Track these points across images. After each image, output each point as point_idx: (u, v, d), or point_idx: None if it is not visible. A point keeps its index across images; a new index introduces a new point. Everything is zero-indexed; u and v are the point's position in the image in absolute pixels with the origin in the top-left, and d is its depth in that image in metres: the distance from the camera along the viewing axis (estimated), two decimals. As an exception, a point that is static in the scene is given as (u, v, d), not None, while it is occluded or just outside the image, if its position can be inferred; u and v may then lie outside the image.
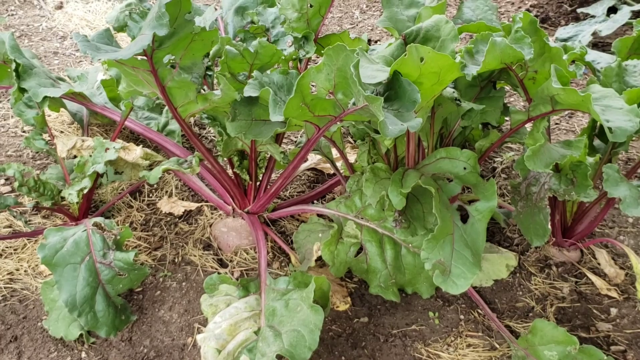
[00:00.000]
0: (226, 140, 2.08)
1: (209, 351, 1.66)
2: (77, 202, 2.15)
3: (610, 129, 1.59)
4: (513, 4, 4.19)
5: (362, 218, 2.06)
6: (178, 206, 2.40)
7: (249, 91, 1.73)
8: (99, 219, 1.98)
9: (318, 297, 1.78)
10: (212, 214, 2.42)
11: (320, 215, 2.25)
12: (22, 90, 2.12)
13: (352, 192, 2.11)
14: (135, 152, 2.11)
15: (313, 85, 1.57)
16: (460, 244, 1.76)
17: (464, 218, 1.85)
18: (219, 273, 2.15)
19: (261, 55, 1.88)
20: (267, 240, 2.24)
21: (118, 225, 2.01)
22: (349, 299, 2.10)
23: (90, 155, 2.12)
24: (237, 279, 2.11)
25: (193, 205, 2.43)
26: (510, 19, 1.86)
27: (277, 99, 1.67)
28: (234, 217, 2.28)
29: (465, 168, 1.89)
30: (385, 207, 1.95)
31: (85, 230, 1.92)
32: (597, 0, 3.92)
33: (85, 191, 2.11)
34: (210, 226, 2.34)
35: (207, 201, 2.45)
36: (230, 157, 2.19)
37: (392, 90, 1.60)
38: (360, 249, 2.06)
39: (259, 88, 1.74)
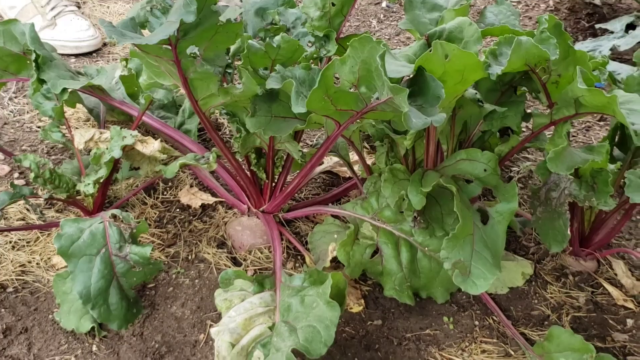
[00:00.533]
0: (244, 137, 2.07)
1: (222, 345, 1.64)
2: (92, 194, 2.13)
3: (635, 132, 1.58)
4: (531, 18, 4.18)
5: (379, 220, 2.04)
6: (197, 198, 2.39)
7: (272, 83, 1.72)
8: (116, 211, 1.97)
9: (334, 294, 1.75)
10: (226, 212, 2.40)
11: (335, 217, 2.24)
12: (41, 82, 2.11)
13: (369, 194, 2.09)
14: (153, 146, 2.10)
15: (336, 78, 1.57)
16: (480, 244, 1.74)
17: (484, 220, 1.84)
18: (233, 271, 2.14)
19: (284, 50, 1.87)
20: (282, 239, 2.22)
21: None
22: (362, 300, 2.08)
23: (107, 148, 2.10)
24: (250, 277, 2.10)
25: (211, 199, 2.42)
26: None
27: (300, 92, 1.66)
28: (249, 216, 2.27)
29: (485, 170, 1.88)
30: (404, 208, 1.93)
31: (102, 222, 1.90)
32: (615, 17, 3.92)
33: (101, 180, 2.10)
34: (225, 224, 2.33)
35: (222, 199, 2.44)
36: (248, 154, 2.18)
37: (416, 86, 1.59)
38: (376, 251, 2.04)
39: (282, 81, 1.73)
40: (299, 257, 2.25)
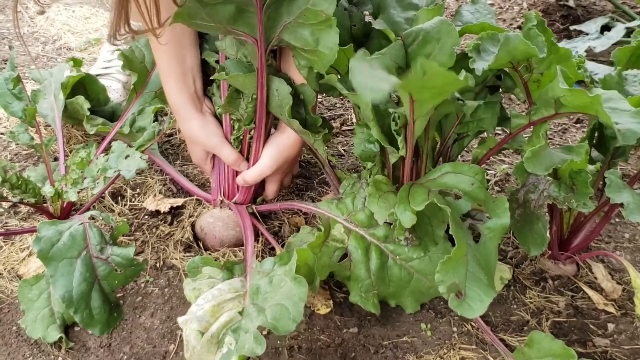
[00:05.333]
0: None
1: (191, 334, 1.60)
2: (69, 201, 2.07)
3: (619, 131, 1.55)
4: (504, 20, 4.17)
5: (352, 222, 1.99)
6: (164, 203, 2.33)
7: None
8: (95, 213, 1.93)
9: (304, 273, 1.74)
10: (195, 209, 2.36)
11: (312, 227, 2.19)
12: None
13: (346, 195, 2.04)
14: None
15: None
16: (474, 264, 1.68)
17: (475, 238, 1.79)
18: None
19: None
20: (256, 236, 2.19)
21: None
22: (330, 302, 2.05)
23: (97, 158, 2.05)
24: (221, 281, 2.05)
25: (180, 201, 2.36)
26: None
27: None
28: (220, 207, 2.24)
29: (472, 184, 1.82)
30: (394, 227, 1.87)
31: (81, 223, 1.86)
32: (589, 19, 3.91)
33: (95, 192, 2.05)
34: (192, 225, 2.30)
35: (191, 197, 2.40)
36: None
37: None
38: (345, 255, 1.99)
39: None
40: (273, 254, 2.20)
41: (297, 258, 1.72)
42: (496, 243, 1.76)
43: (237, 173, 2.20)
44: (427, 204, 1.72)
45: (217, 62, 2.11)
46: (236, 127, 2.15)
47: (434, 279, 1.75)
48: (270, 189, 2.26)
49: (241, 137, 2.17)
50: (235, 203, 2.23)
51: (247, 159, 2.20)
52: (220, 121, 2.19)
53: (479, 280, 1.66)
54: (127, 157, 2.02)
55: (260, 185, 2.25)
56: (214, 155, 2.23)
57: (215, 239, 2.19)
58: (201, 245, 2.24)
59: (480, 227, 1.79)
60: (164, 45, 1.95)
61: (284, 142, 2.12)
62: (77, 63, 2.66)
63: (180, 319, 1.64)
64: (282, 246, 2.19)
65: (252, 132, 2.15)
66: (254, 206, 2.26)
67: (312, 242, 1.94)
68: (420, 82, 1.51)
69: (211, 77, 2.09)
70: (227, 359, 1.58)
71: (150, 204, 2.36)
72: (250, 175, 2.14)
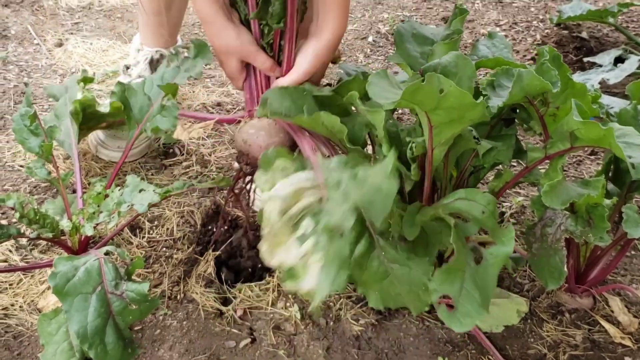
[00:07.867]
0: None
1: (274, 210, 1.59)
2: (87, 235, 2.08)
3: (632, 165, 1.55)
4: (518, 52, 4.18)
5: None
6: (195, 130, 2.28)
7: None
8: (111, 248, 1.94)
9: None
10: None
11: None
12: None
13: None
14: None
15: None
16: (470, 283, 1.67)
17: (476, 260, 1.79)
18: (221, 312, 2.09)
19: None
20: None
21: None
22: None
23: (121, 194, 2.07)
24: (240, 317, 2.05)
25: (210, 123, 2.25)
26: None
27: None
28: (259, 117, 2.10)
29: (483, 212, 1.83)
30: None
31: (97, 259, 1.86)
32: (603, 50, 3.92)
33: (111, 227, 2.06)
34: (237, 131, 2.16)
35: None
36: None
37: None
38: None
39: None
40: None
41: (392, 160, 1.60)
42: (497, 269, 1.74)
43: (269, 83, 2.13)
44: (432, 220, 1.72)
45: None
46: (266, 31, 2.10)
47: (406, 291, 1.74)
48: None
49: (271, 42, 2.09)
50: None
51: (279, 64, 2.13)
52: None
53: (473, 298, 1.64)
54: (141, 191, 2.03)
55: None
56: (246, 66, 2.15)
57: (260, 149, 2.05)
58: (243, 160, 2.14)
59: (483, 251, 1.79)
60: None
61: (321, 45, 2.04)
62: (86, 81, 2.58)
63: (263, 195, 1.65)
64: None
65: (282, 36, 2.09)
66: None
67: None
68: (436, 100, 1.53)
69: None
70: (302, 241, 1.56)
71: (181, 134, 2.30)
72: (286, 81, 2.06)
